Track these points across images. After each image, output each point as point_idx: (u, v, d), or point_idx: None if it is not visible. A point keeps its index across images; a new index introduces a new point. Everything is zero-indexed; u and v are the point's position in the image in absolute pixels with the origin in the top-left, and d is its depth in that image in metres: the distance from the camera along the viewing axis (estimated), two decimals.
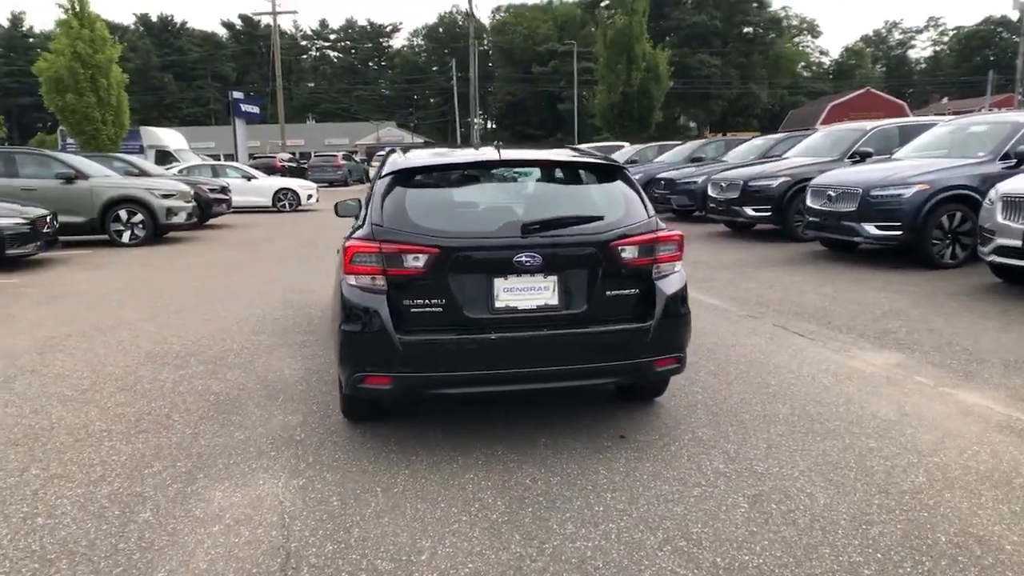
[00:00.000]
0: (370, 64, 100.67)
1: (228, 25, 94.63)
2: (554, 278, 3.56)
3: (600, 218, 3.69)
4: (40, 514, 3.12)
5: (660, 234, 3.74)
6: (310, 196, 21.28)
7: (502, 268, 3.50)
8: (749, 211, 11.59)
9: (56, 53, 24.02)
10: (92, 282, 9.13)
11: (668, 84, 39.18)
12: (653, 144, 21.39)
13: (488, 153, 4.11)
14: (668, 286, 3.72)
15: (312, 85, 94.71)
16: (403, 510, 3.13)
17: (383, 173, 3.88)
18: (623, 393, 4.39)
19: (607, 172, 4.00)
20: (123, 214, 12.49)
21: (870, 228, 8.52)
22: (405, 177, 3.82)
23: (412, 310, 3.49)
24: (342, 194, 23.25)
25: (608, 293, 3.62)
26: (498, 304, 3.52)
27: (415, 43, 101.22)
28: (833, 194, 9.03)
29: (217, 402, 4.50)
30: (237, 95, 35.27)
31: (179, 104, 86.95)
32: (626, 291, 3.65)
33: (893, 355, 5.19)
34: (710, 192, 12.58)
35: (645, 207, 3.84)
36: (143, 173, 15.87)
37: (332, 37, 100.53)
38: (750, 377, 4.79)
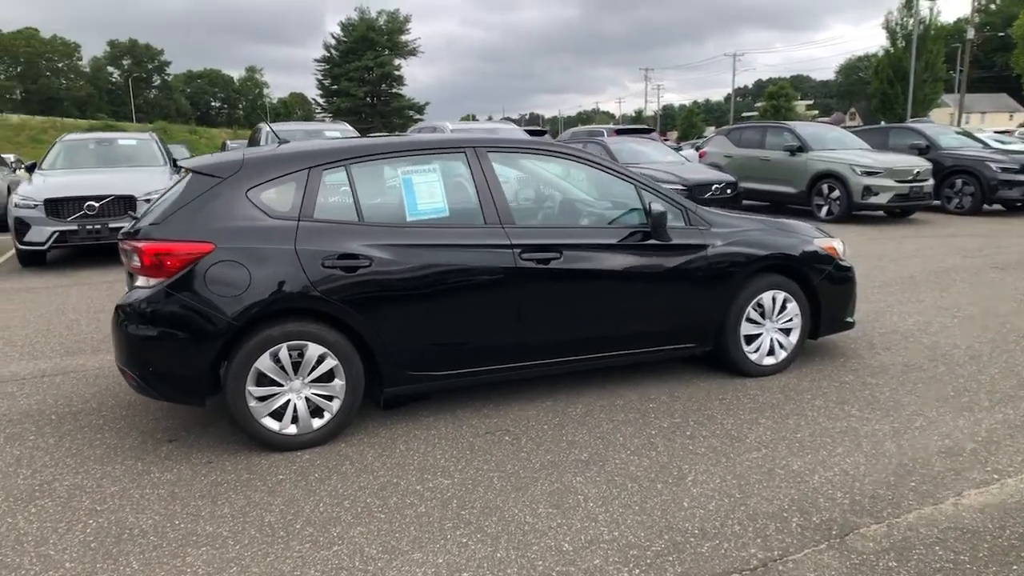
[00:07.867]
0: None
1: None
2: None
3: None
4: None
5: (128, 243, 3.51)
6: None
7: None
8: None
9: None
10: None
11: None
12: None
13: None
14: (126, 296, 3.51)
15: None
16: None
17: None
18: None
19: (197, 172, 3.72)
20: (824, 188, 12.75)
21: None
22: None
23: None
24: None
25: None
26: None
27: None
28: None
29: None
30: None
31: None
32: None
33: None
34: None
35: (166, 211, 3.52)
36: (930, 147, 14.01)
37: None
38: None
